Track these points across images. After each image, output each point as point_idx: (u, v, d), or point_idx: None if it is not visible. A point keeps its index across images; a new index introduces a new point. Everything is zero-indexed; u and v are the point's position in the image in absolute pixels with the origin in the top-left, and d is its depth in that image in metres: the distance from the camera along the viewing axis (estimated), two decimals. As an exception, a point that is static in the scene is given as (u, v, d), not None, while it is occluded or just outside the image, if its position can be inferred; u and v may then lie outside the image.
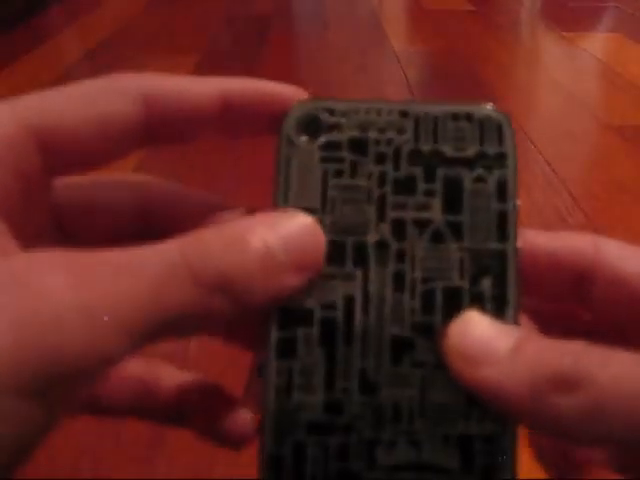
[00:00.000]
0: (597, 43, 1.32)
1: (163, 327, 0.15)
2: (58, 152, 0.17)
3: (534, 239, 0.18)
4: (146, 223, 0.20)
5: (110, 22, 1.53)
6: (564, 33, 1.36)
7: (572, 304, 0.20)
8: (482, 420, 0.17)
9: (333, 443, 0.17)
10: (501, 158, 0.19)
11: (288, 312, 0.17)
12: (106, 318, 0.14)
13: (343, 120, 0.19)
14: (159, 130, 0.19)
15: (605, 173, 0.75)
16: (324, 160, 0.18)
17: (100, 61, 1.25)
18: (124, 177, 0.20)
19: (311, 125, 0.19)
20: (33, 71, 1.18)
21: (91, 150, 0.18)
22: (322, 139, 0.18)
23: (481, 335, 0.16)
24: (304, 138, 0.19)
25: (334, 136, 0.18)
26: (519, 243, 0.18)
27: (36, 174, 0.17)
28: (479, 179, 0.18)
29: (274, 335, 0.17)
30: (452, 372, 0.16)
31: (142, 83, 0.18)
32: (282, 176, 0.19)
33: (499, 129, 0.20)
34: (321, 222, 0.17)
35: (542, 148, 0.81)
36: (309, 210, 0.18)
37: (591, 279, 0.18)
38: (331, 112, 0.19)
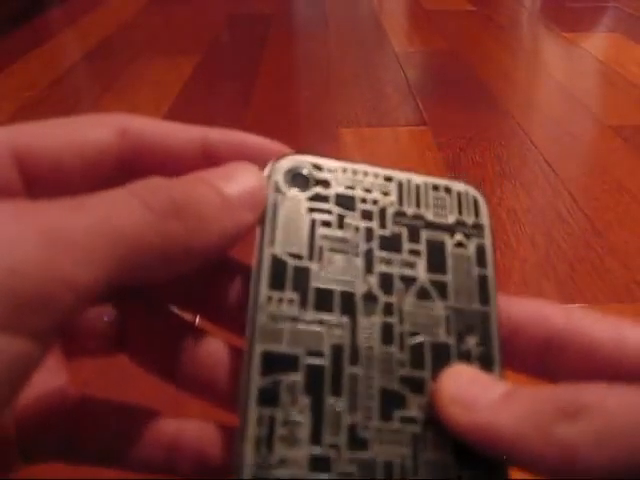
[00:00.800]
0: (597, 43, 1.32)
1: (129, 255, 0.15)
2: (35, 171, 0.18)
3: (504, 306, 0.19)
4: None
5: (110, 22, 1.53)
6: (564, 33, 1.36)
7: (535, 373, 0.19)
8: (476, 477, 0.16)
9: None
10: (478, 228, 0.20)
11: (272, 357, 0.16)
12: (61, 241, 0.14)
13: (330, 177, 0.19)
14: (135, 165, 0.19)
15: (605, 173, 0.75)
16: (312, 210, 0.18)
17: (100, 61, 1.25)
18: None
19: (299, 177, 0.19)
20: (33, 71, 1.18)
21: (68, 172, 0.18)
22: (310, 191, 0.19)
23: (472, 381, 0.16)
24: (292, 189, 0.19)
25: (322, 190, 0.19)
26: (498, 310, 0.18)
27: (15, 189, 0.17)
28: (459, 244, 0.19)
29: (255, 380, 0.16)
30: (444, 420, 0.16)
31: (123, 119, 0.19)
32: (268, 222, 0.18)
33: (475, 203, 0.20)
34: (308, 269, 0.17)
35: (542, 148, 0.81)
36: (296, 256, 0.18)
37: (560, 348, 0.18)
38: (319, 168, 0.19)
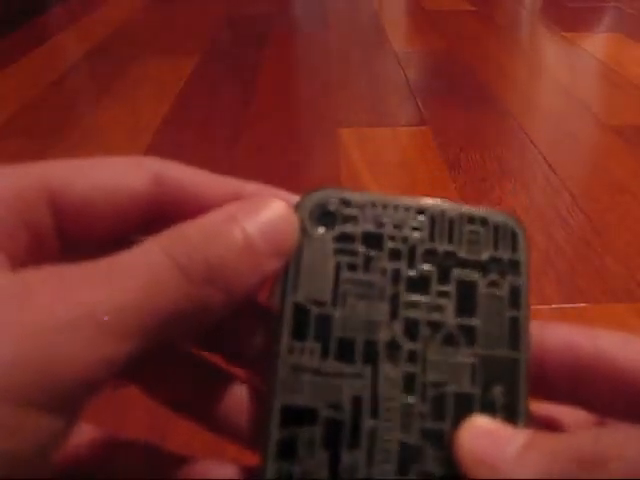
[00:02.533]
0: (597, 43, 1.32)
1: (162, 326, 0.15)
2: (67, 210, 0.18)
3: (537, 333, 0.18)
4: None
5: (110, 22, 1.53)
6: (564, 33, 1.36)
7: (565, 400, 0.19)
8: None
9: None
10: (515, 265, 0.18)
11: (291, 410, 0.16)
12: (106, 318, 0.14)
13: (358, 213, 0.18)
14: (166, 209, 0.19)
15: (605, 173, 0.75)
16: (337, 252, 0.18)
17: (100, 61, 1.25)
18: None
19: (325, 215, 0.18)
20: (33, 71, 1.18)
21: (99, 213, 0.18)
22: (336, 230, 0.18)
23: (492, 436, 0.16)
24: (318, 228, 0.18)
25: (348, 228, 0.18)
26: (530, 352, 0.17)
27: (46, 228, 0.18)
28: (493, 284, 0.18)
29: (274, 433, 0.16)
30: (467, 475, 0.16)
31: (159, 165, 0.19)
32: (293, 266, 0.18)
33: (513, 236, 0.18)
34: (331, 317, 0.17)
35: (542, 148, 0.81)
36: (319, 303, 0.17)
37: (589, 375, 0.18)
38: (346, 203, 0.18)
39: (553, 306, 0.51)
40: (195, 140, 0.87)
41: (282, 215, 0.17)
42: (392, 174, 0.75)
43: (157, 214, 0.19)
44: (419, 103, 0.98)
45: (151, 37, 1.41)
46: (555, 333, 0.18)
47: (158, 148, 0.84)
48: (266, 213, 0.17)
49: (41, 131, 0.90)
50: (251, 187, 0.19)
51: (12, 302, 0.14)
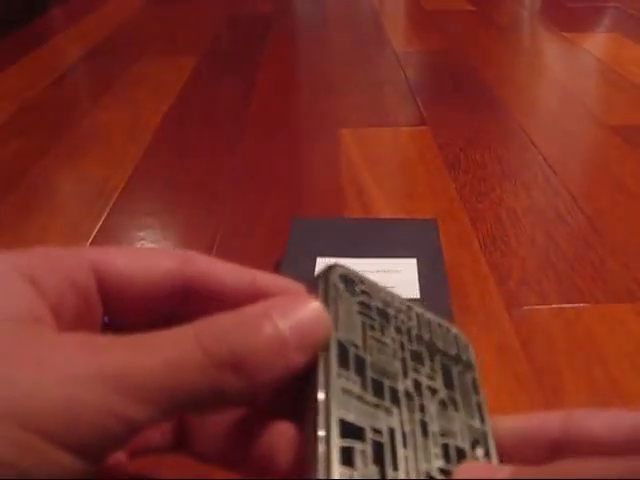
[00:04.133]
0: (597, 43, 1.32)
1: (182, 401, 0.16)
2: (109, 280, 0.21)
3: (511, 423, 0.22)
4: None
5: (110, 22, 1.53)
6: (564, 33, 1.36)
7: None
8: None
9: None
10: (470, 365, 0.23)
11: (346, 424, 0.18)
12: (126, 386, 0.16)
13: (371, 291, 0.22)
14: (192, 291, 0.21)
15: (605, 173, 0.75)
16: (361, 313, 0.21)
17: (100, 61, 1.25)
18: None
19: (350, 284, 0.21)
20: (33, 71, 1.18)
21: (136, 285, 0.21)
22: (358, 298, 0.21)
23: (485, 467, 0.20)
24: (345, 291, 0.21)
25: (366, 299, 0.22)
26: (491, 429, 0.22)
27: (91, 294, 0.21)
28: (461, 373, 0.23)
29: (336, 442, 0.17)
30: None
31: (187, 255, 0.22)
32: (331, 311, 0.20)
33: (466, 347, 0.24)
34: (364, 359, 0.20)
35: (542, 148, 0.81)
36: (354, 345, 0.20)
37: (565, 450, 0.20)
38: (362, 282, 0.22)
39: (553, 306, 0.51)
40: (195, 140, 0.87)
41: (317, 315, 0.19)
42: (392, 174, 0.75)
43: (183, 292, 0.21)
44: (419, 103, 0.98)
45: (151, 37, 1.41)
46: (528, 421, 0.22)
47: (158, 148, 0.84)
48: (301, 312, 0.19)
49: (41, 131, 0.91)
50: (265, 277, 0.22)
51: (50, 354, 0.16)
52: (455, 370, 0.22)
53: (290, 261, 0.52)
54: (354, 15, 1.63)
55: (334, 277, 0.21)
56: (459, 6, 1.63)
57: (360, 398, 0.18)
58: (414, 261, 0.51)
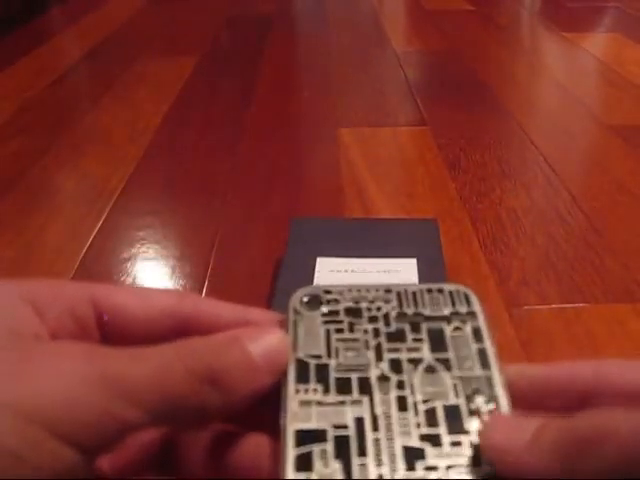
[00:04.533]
0: (597, 43, 1.32)
1: (170, 407, 0.19)
2: (108, 311, 0.22)
3: (533, 372, 0.22)
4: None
5: (110, 22, 1.53)
6: (564, 33, 1.36)
7: None
8: None
9: None
10: (472, 314, 0.23)
11: (303, 433, 0.19)
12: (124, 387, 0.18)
13: (339, 297, 0.24)
14: (186, 325, 0.23)
15: (605, 173, 0.75)
16: (326, 322, 0.23)
17: (100, 61, 1.25)
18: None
19: (313, 301, 0.23)
20: (33, 71, 1.18)
21: (133, 317, 0.23)
22: (323, 309, 0.23)
23: (508, 427, 0.19)
24: (307, 310, 0.23)
25: (332, 307, 0.23)
26: (500, 368, 0.21)
27: (88, 321, 0.22)
28: (457, 329, 0.23)
29: (291, 452, 0.19)
30: (494, 464, 0.19)
31: (182, 293, 0.24)
32: (291, 335, 0.22)
33: (466, 296, 0.24)
34: (327, 365, 0.21)
35: (542, 148, 0.81)
36: (315, 356, 0.21)
37: (593, 398, 0.20)
38: (328, 292, 0.24)
39: (553, 306, 0.51)
40: (195, 140, 0.87)
41: (278, 342, 0.21)
42: (392, 174, 0.75)
43: (180, 328, 0.23)
44: (419, 103, 0.98)
45: (151, 37, 1.41)
46: (557, 370, 0.21)
47: (158, 148, 0.84)
48: (265, 338, 0.21)
49: (41, 131, 0.91)
50: (255, 312, 0.23)
51: (55, 357, 0.18)
52: (448, 328, 0.23)
53: (290, 261, 0.52)
54: (354, 15, 1.63)
55: (295, 301, 0.23)
56: (459, 6, 1.63)
57: (320, 403, 0.20)
58: (414, 261, 0.51)
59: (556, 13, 1.57)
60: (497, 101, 0.99)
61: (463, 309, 0.23)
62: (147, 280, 0.57)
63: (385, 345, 0.22)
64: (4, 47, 1.36)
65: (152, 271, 0.59)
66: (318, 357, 0.21)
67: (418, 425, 0.19)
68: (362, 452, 0.18)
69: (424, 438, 0.19)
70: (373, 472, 0.18)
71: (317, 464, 0.18)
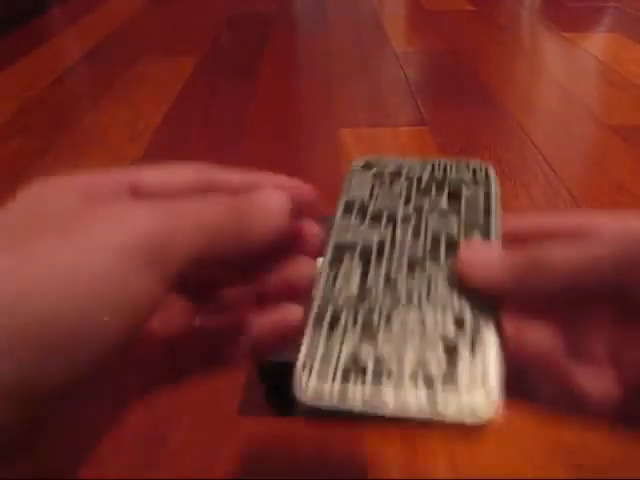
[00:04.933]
0: (597, 43, 1.32)
1: (210, 239, 0.22)
2: (142, 191, 0.25)
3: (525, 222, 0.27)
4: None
5: (110, 22, 1.53)
6: (564, 33, 1.36)
7: None
8: (472, 303, 0.24)
9: (360, 314, 0.24)
10: (488, 181, 0.30)
11: (339, 244, 0.27)
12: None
13: (387, 164, 0.31)
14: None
15: (605, 173, 0.75)
16: (374, 176, 0.31)
17: (100, 61, 1.25)
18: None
19: (366, 165, 0.32)
20: (33, 71, 1.18)
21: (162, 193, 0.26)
22: (373, 171, 0.31)
23: (481, 247, 0.25)
24: (361, 170, 0.31)
25: (379, 169, 0.31)
26: (498, 219, 0.27)
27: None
28: (473, 191, 0.29)
29: (330, 251, 0.26)
30: (464, 278, 0.24)
31: (200, 165, 0.27)
32: (346, 184, 0.30)
33: (486, 170, 0.30)
34: (367, 205, 0.29)
35: (542, 148, 0.81)
36: (360, 198, 0.29)
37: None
38: (380, 161, 0.32)
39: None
40: (195, 140, 0.87)
41: (279, 197, 0.25)
42: (392, 174, 0.75)
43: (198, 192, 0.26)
44: (419, 103, 0.98)
45: (151, 37, 1.41)
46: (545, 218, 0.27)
47: (158, 148, 0.84)
48: (273, 195, 0.25)
49: (41, 131, 0.91)
50: (264, 177, 0.27)
51: (133, 208, 0.21)
52: (466, 189, 0.29)
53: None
54: (354, 15, 1.63)
55: (353, 165, 0.31)
56: (459, 6, 1.63)
57: (356, 227, 0.27)
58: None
59: (556, 13, 1.57)
60: (497, 101, 0.99)
61: (482, 179, 0.30)
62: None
63: (414, 196, 0.29)
64: (4, 47, 1.36)
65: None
66: (362, 199, 0.29)
67: (424, 247, 0.26)
68: (379, 260, 0.25)
69: (426, 255, 0.26)
70: (382, 270, 0.25)
71: (345, 261, 0.26)
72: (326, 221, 0.46)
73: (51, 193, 0.24)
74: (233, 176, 0.27)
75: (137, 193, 0.25)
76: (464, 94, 1.03)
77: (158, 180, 0.26)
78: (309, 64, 1.23)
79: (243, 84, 1.08)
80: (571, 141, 0.85)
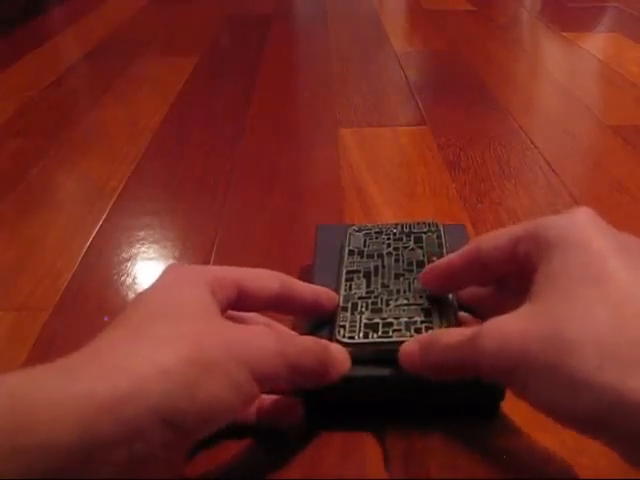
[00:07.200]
0: (597, 43, 1.32)
1: (301, 373, 0.32)
2: (242, 295, 0.36)
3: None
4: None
5: (110, 22, 1.53)
6: (564, 33, 1.36)
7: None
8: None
9: (369, 302, 0.41)
10: (437, 229, 0.49)
11: (350, 270, 0.45)
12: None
13: (372, 227, 0.50)
14: (281, 305, 0.39)
15: (605, 173, 0.75)
16: (364, 235, 0.49)
17: (100, 61, 1.25)
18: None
19: (358, 229, 0.50)
20: (33, 71, 1.18)
21: (253, 302, 0.38)
22: (363, 231, 0.50)
23: (416, 340, 0.36)
24: (355, 231, 0.50)
25: (367, 230, 0.50)
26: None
27: (232, 301, 0.35)
28: (428, 235, 0.48)
29: (344, 274, 0.44)
30: (410, 367, 0.35)
31: (284, 278, 0.39)
32: (347, 240, 0.49)
33: (436, 225, 0.50)
34: (363, 250, 0.47)
35: (542, 148, 0.81)
36: (358, 246, 0.47)
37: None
38: (366, 226, 0.50)
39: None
40: (195, 140, 0.87)
41: (343, 355, 0.36)
42: (392, 174, 0.75)
43: (278, 301, 0.37)
44: (419, 103, 0.98)
45: (151, 37, 1.41)
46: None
47: (158, 148, 0.84)
48: (337, 354, 0.35)
49: (41, 131, 0.91)
50: (324, 295, 0.41)
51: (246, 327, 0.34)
52: (425, 235, 0.48)
53: (319, 270, 0.48)
54: (354, 15, 1.63)
55: (349, 229, 0.50)
56: (459, 6, 1.63)
57: (359, 261, 0.45)
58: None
59: (556, 13, 1.57)
60: (497, 101, 0.99)
61: (434, 229, 0.49)
62: (147, 280, 0.57)
63: (392, 242, 0.47)
64: (4, 47, 1.36)
65: (152, 271, 0.59)
66: (359, 247, 0.47)
67: (403, 267, 0.44)
68: (376, 275, 0.43)
69: (405, 271, 0.44)
70: (379, 280, 0.43)
71: (355, 280, 0.43)
72: (325, 229, 0.57)
73: (186, 287, 0.32)
74: (305, 292, 0.38)
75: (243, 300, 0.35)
76: (464, 94, 1.03)
77: (257, 287, 0.35)
78: (309, 64, 1.23)
79: (243, 84, 1.08)
80: (571, 141, 0.85)
